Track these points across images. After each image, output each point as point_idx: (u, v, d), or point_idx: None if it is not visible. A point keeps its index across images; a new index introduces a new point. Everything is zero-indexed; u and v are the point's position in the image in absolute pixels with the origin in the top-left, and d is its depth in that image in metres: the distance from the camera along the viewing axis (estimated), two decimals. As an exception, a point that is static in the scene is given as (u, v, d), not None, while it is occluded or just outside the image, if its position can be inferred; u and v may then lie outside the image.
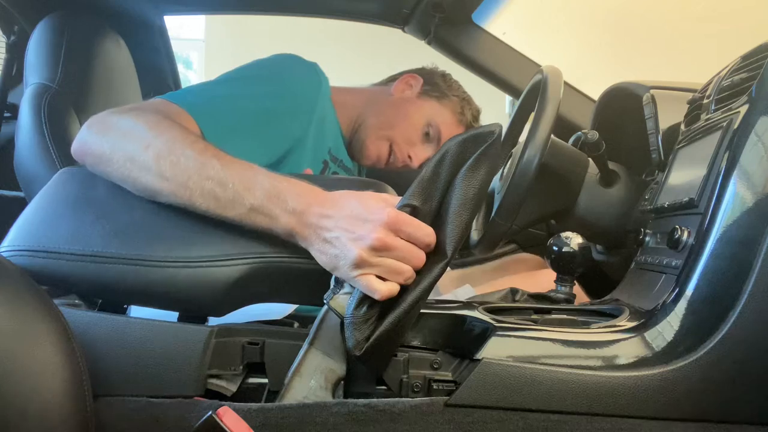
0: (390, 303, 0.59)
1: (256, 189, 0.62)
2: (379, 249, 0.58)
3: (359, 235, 0.58)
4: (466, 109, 1.19)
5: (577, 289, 0.93)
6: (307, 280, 0.66)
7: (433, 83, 1.18)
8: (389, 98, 1.16)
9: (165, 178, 0.64)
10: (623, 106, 1.08)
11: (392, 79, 1.22)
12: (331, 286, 0.62)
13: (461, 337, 0.66)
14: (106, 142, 0.68)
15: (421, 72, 1.22)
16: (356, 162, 1.19)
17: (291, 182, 0.63)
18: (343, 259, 0.59)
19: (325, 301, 0.61)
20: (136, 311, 0.73)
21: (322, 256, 0.61)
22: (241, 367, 0.65)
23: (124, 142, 0.67)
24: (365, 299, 0.58)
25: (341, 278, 0.61)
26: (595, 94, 1.27)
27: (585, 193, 1.04)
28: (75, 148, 0.70)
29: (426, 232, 0.59)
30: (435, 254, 0.60)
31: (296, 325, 0.74)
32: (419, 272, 0.59)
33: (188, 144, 0.65)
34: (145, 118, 0.70)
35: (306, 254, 0.63)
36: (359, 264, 0.58)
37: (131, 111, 0.72)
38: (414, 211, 0.59)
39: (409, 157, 1.13)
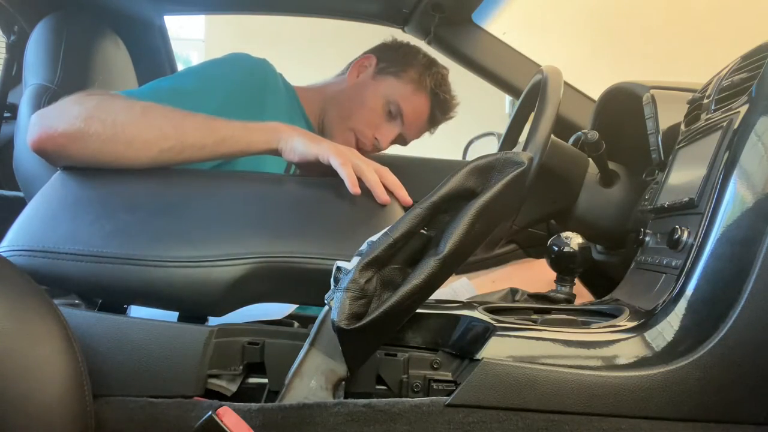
0: (386, 286, 0.59)
1: (225, 122, 0.77)
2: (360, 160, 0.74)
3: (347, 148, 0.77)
4: (425, 76, 1.15)
5: (577, 289, 0.92)
6: (307, 281, 0.66)
7: (389, 59, 1.16)
8: (345, 87, 1.15)
9: (149, 126, 0.73)
10: (623, 106, 1.08)
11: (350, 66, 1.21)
12: (332, 287, 0.62)
13: (461, 337, 0.66)
14: (75, 119, 0.72)
15: (376, 50, 1.20)
16: None
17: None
18: (330, 150, 0.74)
19: (325, 301, 0.61)
20: (136, 311, 0.73)
21: (306, 142, 0.76)
22: (241, 367, 0.65)
23: (97, 112, 0.73)
24: (365, 271, 0.58)
25: (328, 158, 0.73)
26: (595, 94, 1.27)
27: (585, 193, 1.04)
28: (38, 136, 0.73)
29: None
30: (432, 250, 0.59)
31: (296, 325, 0.74)
32: (414, 268, 0.59)
33: (159, 107, 0.77)
34: (97, 96, 0.77)
35: (306, 254, 0.63)
36: (342, 157, 0.73)
37: (81, 97, 0.77)
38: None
39: (376, 139, 1.12)
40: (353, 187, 0.72)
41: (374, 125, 1.12)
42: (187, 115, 0.78)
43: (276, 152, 0.79)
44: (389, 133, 1.13)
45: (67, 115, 0.74)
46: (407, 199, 0.76)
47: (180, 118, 0.77)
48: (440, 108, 1.19)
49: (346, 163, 0.74)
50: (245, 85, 0.94)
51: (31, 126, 0.74)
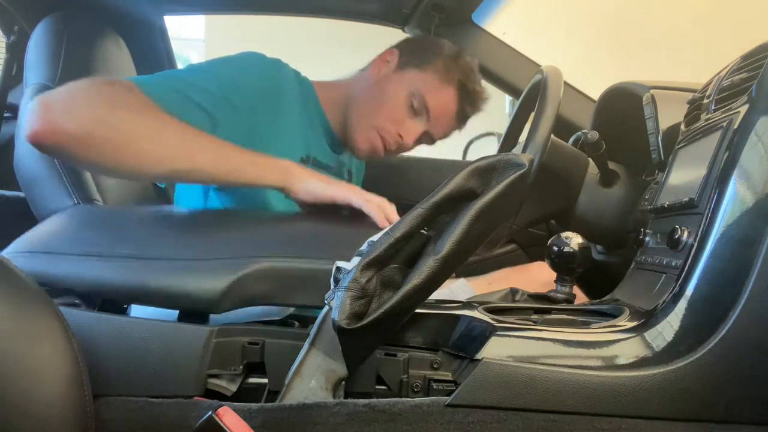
0: (387, 285, 0.59)
1: (240, 151, 0.78)
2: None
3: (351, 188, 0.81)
4: (453, 68, 1.07)
5: (577, 289, 0.92)
6: (307, 282, 0.66)
7: (412, 52, 1.09)
8: (368, 83, 1.08)
9: (162, 143, 0.71)
10: (623, 106, 1.08)
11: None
12: (332, 287, 0.62)
13: (461, 337, 0.66)
14: (85, 121, 0.68)
15: (400, 44, 1.13)
16: (357, 157, 1.15)
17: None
18: (342, 184, 0.79)
19: (325, 302, 0.61)
20: (136, 311, 0.73)
21: (322, 184, 0.79)
22: (241, 367, 0.65)
23: (109, 115, 0.69)
24: (366, 270, 0.58)
25: (348, 199, 0.78)
26: (595, 94, 1.27)
27: (585, 193, 1.04)
28: (41, 130, 0.68)
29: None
30: (432, 250, 0.59)
31: (296, 324, 0.74)
32: (414, 268, 0.59)
33: (169, 121, 0.74)
34: (108, 89, 0.73)
35: (305, 255, 0.63)
36: (357, 191, 0.78)
37: (92, 87, 0.72)
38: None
39: (400, 136, 1.05)
40: (383, 222, 0.77)
41: (398, 121, 1.05)
42: (202, 138, 0.76)
43: (283, 190, 0.81)
44: (414, 129, 1.06)
45: (75, 113, 0.69)
46: None
47: (194, 140, 0.75)
48: (469, 101, 1.09)
49: (370, 202, 0.78)
50: (262, 89, 0.93)
51: (32, 115, 0.68)
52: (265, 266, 0.65)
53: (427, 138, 1.10)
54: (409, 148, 1.10)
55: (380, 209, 0.78)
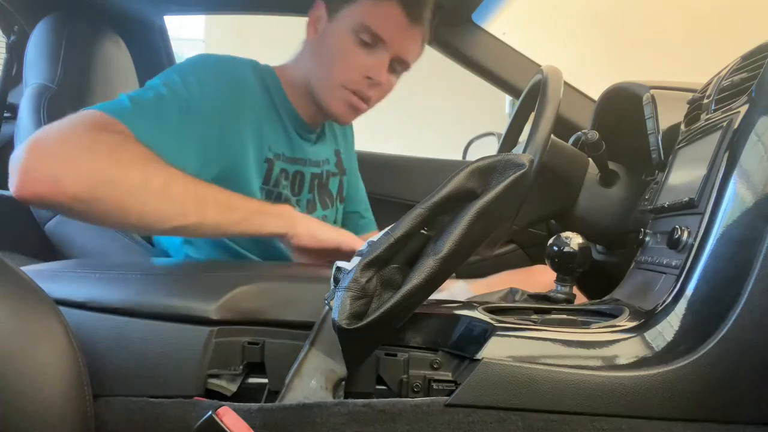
0: (386, 285, 0.59)
1: (243, 201, 0.80)
2: None
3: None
4: None
5: (576, 289, 0.92)
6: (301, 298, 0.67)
7: None
8: (312, 48, 1.00)
9: (170, 200, 0.71)
10: (623, 106, 1.08)
11: None
12: (332, 287, 0.62)
13: (461, 337, 0.66)
14: (86, 180, 0.65)
15: None
16: (341, 122, 1.06)
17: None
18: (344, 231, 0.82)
19: (325, 302, 0.61)
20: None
21: (326, 229, 0.83)
22: (241, 367, 0.65)
23: (112, 172, 0.67)
24: (366, 270, 0.58)
25: (353, 246, 0.80)
26: (595, 94, 1.27)
27: (585, 193, 1.04)
28: (37, 187, 0.64)
29: None
30: (432, 250, 0.59)
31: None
32: (413, 268, 0.59)
33: (174, 174, 0.73)
34: (106, 139, 0.70)
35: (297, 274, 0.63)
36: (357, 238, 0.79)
37: (88, 134, 0.69)
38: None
39: (369, 78, 0.96)
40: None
41: (358, 65, 0.95)
42: (208, 190, 0.76)
43: (286, 236, 0.82)
44: (378, 62, 0.95)
45: (74, 170, 0.65)
46: None
47: (201, 194, 0.75)
48: (414, 1, 0.97)
49: None
50: (224, 98, 0.88)
51: (24, 167, 0.64)
52: (261, 283, 0.66)
53: (400, 64, 0.99)
54: (389, 85, 1.01)
55: None
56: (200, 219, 0.74)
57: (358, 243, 0.80)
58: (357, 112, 1.01)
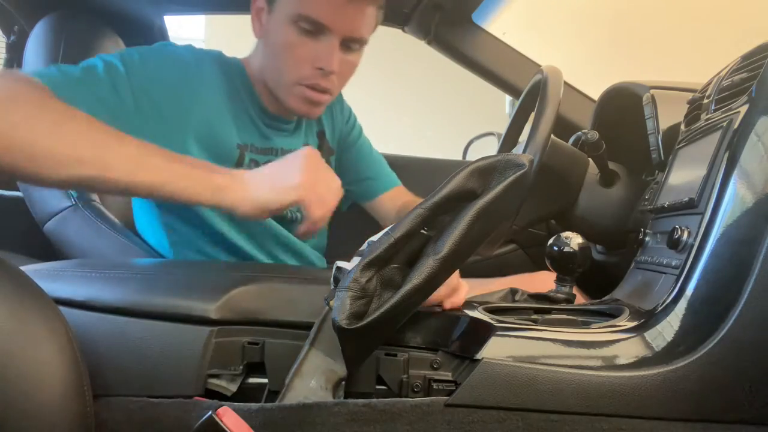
0: (386, 285, 0.59)
1: (165, 159, 0.68)
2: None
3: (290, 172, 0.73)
4: None
5: (577, 289, 0.93)
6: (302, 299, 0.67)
7: None
8: (262, 45, 0.95)
9: (63, 142, 0.61)
10: (623, 106, 1.08)
11: None
12: (332, 287, 0.62)
13: (461, 337, 0.66)
14: None
15: None
16: (307, 117, 1.02)
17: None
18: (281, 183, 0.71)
19: (325, 302, 0.61)
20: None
21: (266, 192, 0.71)
22: (241, 367, 0.65)
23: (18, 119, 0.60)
24: (366, 270, 0.58)
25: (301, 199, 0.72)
26: (595, 94, 1.27)
27: (585, 193, 1.04)
28: None
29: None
30: (432, 250, 0.59)
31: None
32: (413, 268, 0.59)
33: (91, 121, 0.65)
34: (11, 83, 0.64)
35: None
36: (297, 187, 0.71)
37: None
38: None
39: (321, 69, 0.90)
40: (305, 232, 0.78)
41: (306, 58, 0.89)
42: (116, 138, 0.65)
43: (221, 209, 0.72)
44: (326, 51, 0.88)
45: None
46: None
47: (104, 142, 0.64)
48: None
49: (319, 207, 0.75)
50: (175, 84, 0.85)
51: None
52: (261, 284, 0.66)
53: (354, 42, 0.91)
54: (349, 67, 0.94)
55: (318, 221, 0.75)
56: (101, 172, 0.63)
57: (307, 194, 0.73)
58: (319, 105, 0.95)
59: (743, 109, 0.66)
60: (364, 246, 0.62)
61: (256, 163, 0.96)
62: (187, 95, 0.86)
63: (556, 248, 0.86)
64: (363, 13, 0.89)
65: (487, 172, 0.59)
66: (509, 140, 1.23)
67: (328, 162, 1.12)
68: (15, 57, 1.31)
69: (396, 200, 1.19)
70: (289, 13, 0.87)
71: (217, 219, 0.93)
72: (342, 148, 1.18)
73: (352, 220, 1.21)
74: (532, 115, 0.92)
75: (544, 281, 1.18)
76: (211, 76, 0.90)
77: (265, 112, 0.98)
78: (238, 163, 0.93)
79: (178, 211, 0.93)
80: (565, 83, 0.95)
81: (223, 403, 0.61)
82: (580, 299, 1.04)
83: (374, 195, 1.20)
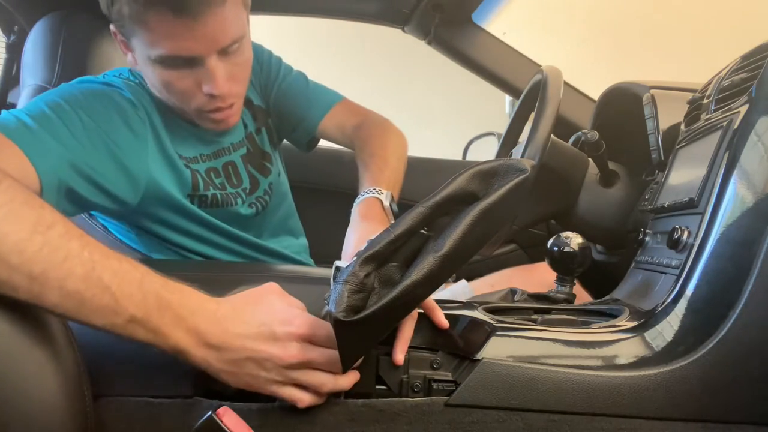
0: (385, 283, 0.59)
1: (140, 296, 0.53)
2: (295, 366, 0.58)
3: (270, 355, 0.56)
4: (122, 7, 0.77)
5: (577, 289, 0.93)
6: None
7: (115, 20, 0.81)
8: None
9: (10, 265, 0.48)
10: (623, 106, 1.08)
11: None
12: (332, 287, 0.62)
13: (461, 337, 0.66)
14: None
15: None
16: (223, 128, 0.93)
17: (184, 293, 0.56)
18: (256, 379, 0.57)
19: (325, 301, 0.61)
20: None
21: (230, 377, 0.57)
22: (241, 367, 0.65)
23: None
24: (365, 265, 0.57)
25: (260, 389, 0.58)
26: (595, 94, 1.27)
27: (585, 193, 1.04)
28: None
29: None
30: (432, 248, 0.59)
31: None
32: (412, 265, 0.59)
33: (43, 221, 0.51)
34: None
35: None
36: (276, 382, 0.58)
37: None
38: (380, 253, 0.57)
39: (211, 95, 0.83)
40: (299, 404, 0.59)
41: (191, 88, 0.83)
42: (77, 242, 0.53)
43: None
44: (206, 76, 0.81)
45: None
46: None
47: (59, 244, 0.51)
48: None
49: (285, 388, 0.59)
50: (105, 120, 0.81)
51: None
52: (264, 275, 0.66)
53: (229, 48, 0.82)
54: (240, 70, 0.86)
55: (297, 395, 0.59)
56: (39, 300, 0.51)
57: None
58: (230, 116, 0.89)
59: (743, 109, 0.66)
60: (364, 245, 0.62)
61: (216, 171, 0.94)
62: (122, 126, 0.82)
63: (556, 248, 0.86)
64: (214, 21, 0.78)
65: (489, 175, 0.60)
66: (509, 140, 1.23)
67: (267, 126, 1.06)
68: (15, 57, 1.31)
69: (333, 119, 1.08)
70: (150, 55, 0.80)
71: (176, 234, 0.90)
72: (270, 96, 1.09)
73: (341, 220, 1.20)
74: (532, 115, 0.92)
75: (543, 274, 1.18)
76: (124, 108, 0.84)
77: (190, 124, 0.92)
78: (194, 179, 0.89)
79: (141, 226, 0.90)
80: (565, 83, 0.95)
81: (223, 403, 0.61)
82: (582, 297, 1.04)
83: (314, 128, 1.09)
